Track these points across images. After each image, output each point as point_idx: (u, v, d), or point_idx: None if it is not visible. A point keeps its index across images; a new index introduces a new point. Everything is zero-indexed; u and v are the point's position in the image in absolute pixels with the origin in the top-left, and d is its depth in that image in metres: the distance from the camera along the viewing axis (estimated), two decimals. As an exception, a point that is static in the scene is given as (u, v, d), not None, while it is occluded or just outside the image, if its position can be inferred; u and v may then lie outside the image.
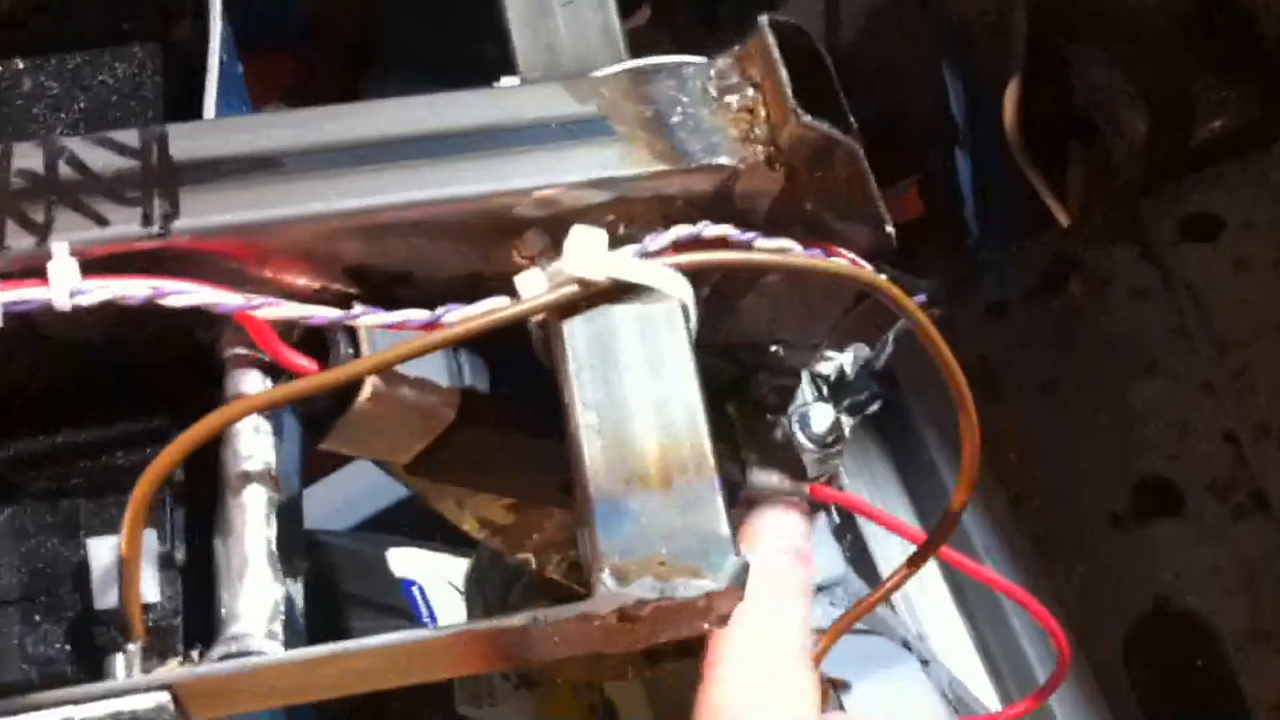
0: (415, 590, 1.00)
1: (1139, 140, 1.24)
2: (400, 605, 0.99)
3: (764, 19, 0.58)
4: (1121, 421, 1.17)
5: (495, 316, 0.55)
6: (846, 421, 0.73)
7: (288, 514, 0.71)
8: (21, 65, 0.68)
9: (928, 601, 1.08)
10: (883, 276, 0.60)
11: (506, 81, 0.62)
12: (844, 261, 0.59)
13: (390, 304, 0.56)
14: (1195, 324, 1.17)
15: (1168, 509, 1.14)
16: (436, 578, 1.02)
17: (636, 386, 0.55)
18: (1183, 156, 1.23)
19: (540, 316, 0.57)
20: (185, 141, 0.56)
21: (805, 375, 0.74)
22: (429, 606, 0.99)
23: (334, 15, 1.39)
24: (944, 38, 1.36)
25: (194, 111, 0.66)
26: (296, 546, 0.73)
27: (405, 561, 1.03)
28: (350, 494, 1.31)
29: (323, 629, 0.66)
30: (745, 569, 0.52)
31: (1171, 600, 1.11)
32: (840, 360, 0.76)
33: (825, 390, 0.75)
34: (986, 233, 1.40)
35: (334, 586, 0.98)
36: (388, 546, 1.04)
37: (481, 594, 0.88)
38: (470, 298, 0.56)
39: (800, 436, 0.71)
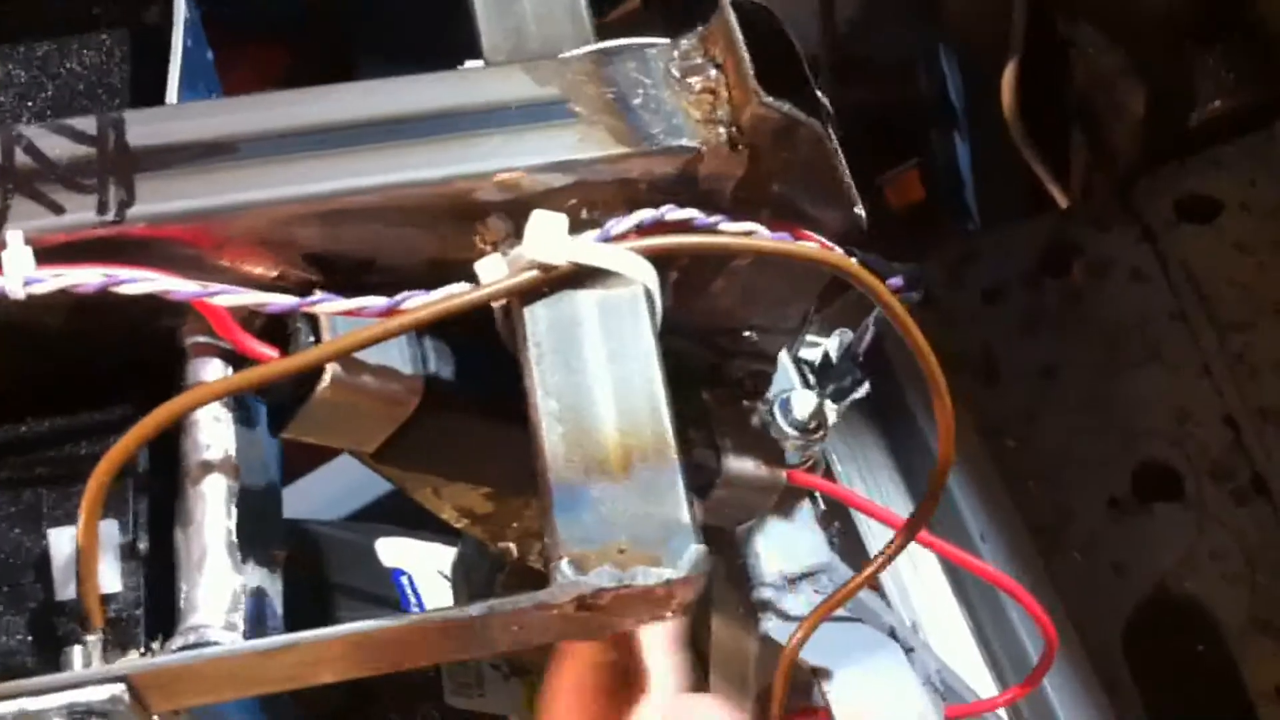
0: (405, 580, 1.00)
1: (1137, 121, 1.22)
2: (389, 595, 0.99)
3: (727, -2, 0.57)
4: (1121, 406, 1.15)
5: (454, 302, 0.54)
6: (831, 408, 0.72)
7: (264, 503, 0.70)
8: (-11, 53, 0.68)
9: (922, 588, 1.07)
10: (853, 259, 0.59)
11: (471, 64, 0.61)
12: (812, 245, 0.58)
13: (357, 291, 0.55)
14: (1194, 307, 1.16)
15: (1167, 494, 1.13)
16: (426, 567, 1.01)
17: (598, 372, 0.54)
18: (1181, 137, 1.22)
19: (503, 302, 0.56)
20: (143, 128, 0.56)
21: (789, 361, 0.73)
22: (418, 596, 0.99)
23: (328, 4, 1.39)
24: (942, 21, 1.35)
25: (162, 99, 0.66)
26: (274, 536, 0.72)
27: (395, 551, 1.02)
28: (343, 485, 1.31)
29: (311, 619, 0.65)
30: (706, 556, 0.51)
31: (1171, 586, 1.10)
32: (825, 345, 0.75)
33: (810, 376, 0.74)
34: (986, 216, 1.39)
35: (323, 576, 0.98)
36: (377, 536, 1.03)
37: (467, 583, 0.87)
38: (436, 285, 0.55)
39: (782, 423, 0.70)
